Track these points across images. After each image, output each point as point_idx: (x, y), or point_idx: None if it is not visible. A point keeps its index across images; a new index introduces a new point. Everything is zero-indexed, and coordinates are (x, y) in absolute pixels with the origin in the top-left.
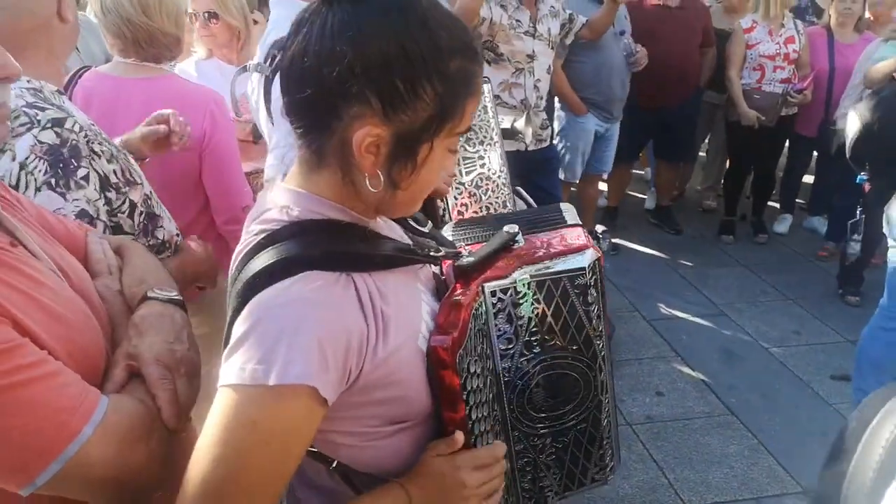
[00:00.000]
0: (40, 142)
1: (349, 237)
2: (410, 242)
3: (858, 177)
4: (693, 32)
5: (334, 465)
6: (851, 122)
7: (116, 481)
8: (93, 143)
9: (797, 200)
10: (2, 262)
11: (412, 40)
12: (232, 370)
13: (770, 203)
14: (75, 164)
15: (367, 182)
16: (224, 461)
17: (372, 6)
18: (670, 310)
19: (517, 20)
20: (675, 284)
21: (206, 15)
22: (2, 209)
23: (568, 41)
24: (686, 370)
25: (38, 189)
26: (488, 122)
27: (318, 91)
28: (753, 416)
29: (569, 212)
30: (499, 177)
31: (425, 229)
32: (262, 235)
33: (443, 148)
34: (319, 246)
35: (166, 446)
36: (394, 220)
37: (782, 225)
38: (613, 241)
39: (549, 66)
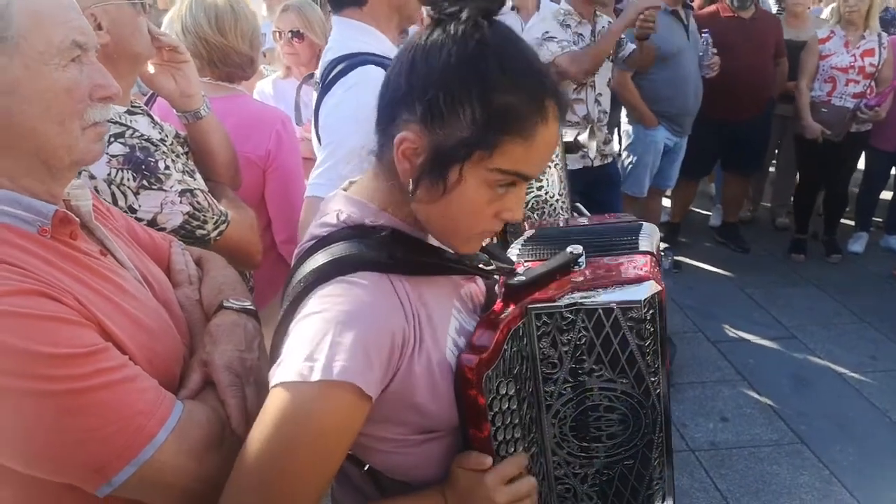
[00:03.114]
0: (113, 155)
1: (392, 242)
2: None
3: None
4: (766, 44)
5: (366, 468)
6: None
7: (187, 488)
8: (152, 139)
9: (874, 218)
10: (91, 269)
11: (464, 60)
12: (282, 369)
13: (846, 221)
14: (153, 160)
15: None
16: (270, 455)
17: (457, 35)
18: (736, 331)
19: (580, 34)
20: (742, 305)
21: (291, 34)
22: (95, 219)
23: (617, 63)
24: (753, 395)
25: (136, 194)
26: None
27: (386, 92)
28: (825, 446)
29: (646, 236)
30: (557, 200)
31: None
32: (316, 239)
33: (477, 179)
34: (367, 248)
35: (236, 456)
36: None
37: (857, 244)
38: (676, 258)
39: (609, 79)
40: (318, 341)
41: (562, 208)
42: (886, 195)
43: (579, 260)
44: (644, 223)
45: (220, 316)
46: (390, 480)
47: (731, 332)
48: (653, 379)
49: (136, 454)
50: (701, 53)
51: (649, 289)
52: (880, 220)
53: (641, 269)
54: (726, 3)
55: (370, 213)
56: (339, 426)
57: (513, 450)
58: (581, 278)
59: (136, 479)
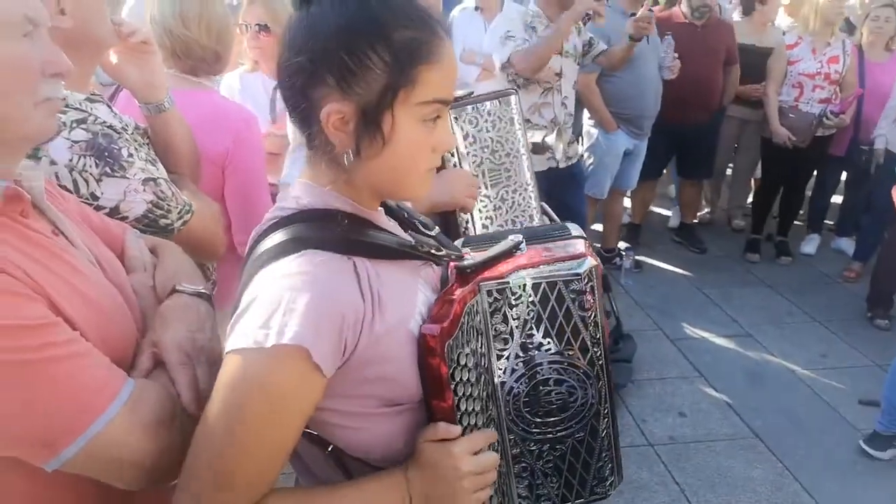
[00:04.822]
0: (75, 141)
1: (349, 224)
2: (412, 240)
3: None
4: (717, 52)
5: (330, 448)
6: None
7: (138, 463)
8: (115, 127)
9: (825, 221)
10: (42, 247)
11: (351, 16)
12: (237, 336)
13: (798, 223)
14: (117, 147)
15: (346, 160)
16: (226, 422)
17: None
18: (694, 329)
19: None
20: (700, 304)
21: (257, 27)
22: (47, 200)
23: (585, 61)
24: (710, 391)
25: (98, 181)
26: (514, 133)
27: (291, 81)
28: (779, 441)
29: (574, 228)
30: (525, 189)
31: (431, 232)
32: (274, 220)
33: (408, 119)
34: (324, 230)
35: (187, 434)
36: (401, 223)
37: (810, 245)
38: (637, 258)
39: (574, 83)
40: (274, 309)
41: (531, 196)
42: (837, 199)
43: (521, 246)
44: (568, 224)
45: (173, 298)
46: (356, 462)
47: (690, 331)
48: (595, 349)
49: (85, 428)
50: (662, 55)
51: (588, 263)
52: (831, 222)
53: (578, 249)
54: (682, 11)
55: (326, 196)
56: (294, 391)
57: (474, 422)
58: (525, 259)
59: (86, 453)
